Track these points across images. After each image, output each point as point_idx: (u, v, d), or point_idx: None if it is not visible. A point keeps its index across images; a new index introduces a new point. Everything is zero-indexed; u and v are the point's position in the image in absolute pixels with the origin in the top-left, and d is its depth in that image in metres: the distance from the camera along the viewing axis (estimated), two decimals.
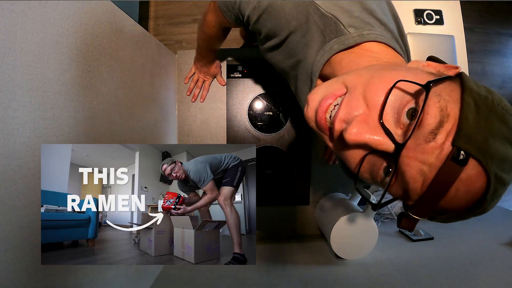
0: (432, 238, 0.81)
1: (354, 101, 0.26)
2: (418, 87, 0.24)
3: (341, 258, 0.69)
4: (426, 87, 0.23)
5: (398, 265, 0.68)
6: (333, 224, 0.67)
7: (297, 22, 0.37)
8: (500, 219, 0.95)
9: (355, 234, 0.67)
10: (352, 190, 0.82)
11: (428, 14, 1.04)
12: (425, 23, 1.04)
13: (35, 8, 0.32)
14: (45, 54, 0.34)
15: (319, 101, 0.28)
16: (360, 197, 0.77)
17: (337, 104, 0.27)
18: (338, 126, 0.26)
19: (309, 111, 0.29)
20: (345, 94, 0.27)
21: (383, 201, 0.27)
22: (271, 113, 0.82)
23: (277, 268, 0.69)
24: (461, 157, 0.21)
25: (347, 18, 0.35)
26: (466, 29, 1.05)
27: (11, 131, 0.29)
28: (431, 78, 0.25)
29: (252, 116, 0.81)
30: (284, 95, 0.82)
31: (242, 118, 0.82)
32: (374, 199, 0.66)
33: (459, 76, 0.26)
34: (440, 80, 0.24)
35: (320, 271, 0.67)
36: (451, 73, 0.27)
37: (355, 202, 0.76)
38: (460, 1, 1.06)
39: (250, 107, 0.81)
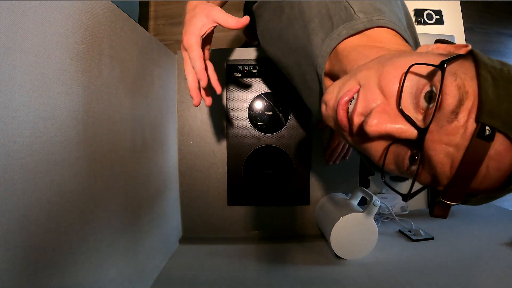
0: (432, 238, 0.81)
1: (369, 93, 0.26)
2: (433, 70, 0.24)
3: (341, 258, 0.69)
4: (441, 67, 0.23)
5: (398, 265, 0.68)
6: (333, 224, 0.67)
7: (309, 3, 0.36)
8: (500, 219, 0.95)
9: (355, 234, 0.67)
10: (352, 190, 0.82)
11: (428, 14, 1.04)
12: (425, 23, 1.04)
13: (35, 8, 0.32)
14: (45, 54, 0.34)
15: (337, 100, 0.28)
16: (360, 197, 0.77)
17: (354, 100, 0.27)
18: (357, 120, 0.26)
19: (328, 110, 0.29)
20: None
21: (413, 191, 0.27)
22: (271, 113, 0.82)
23: (277, 268, 0.69)
24: (487, 132, 0.21)
25: (359, 3, 0.34)
26: (466, 29, 1.05)
27: (11, 131, 0.29)
28: (443, 58, 0.24)
29: (252, 116, 0.81)
30: (284, 95, 0.82)
31: (242, 118, 0.81)
32: (377, 200, 0.66)
33: (471, 54, 0.25)
34: (453, 58, 0.24)
35: (320, 271, 0.67)
36: (462, 51, 0.26)
37: (355, 202, 0.76)
38: (460, 1, 1.06)
39: (250, 107, 0.81)
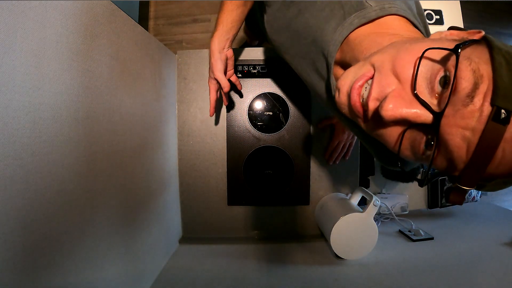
0: (432, 238, 0.81)
1: (384, 78, 0.26)
2: (447, 54, 0.24)
3: (341, 258, 0.69)
4: (455, 52, 0.23)
5: (398, 265, 0.68)
6: (333, 224, 0.67)
7: None
8: (500, 219, 0.95)
9: (355, 234, 0.67)
10: (352, 190, 0.82)
11: (428, 14, 1.04)
12: None
13: (35, 8, 0.32)
14: (45, 54, 0.34)
15: (350, 85, 0.28)
16: (360, 197, 0.77)
17: (368, 86, 0.27)
18: (372, 105, 0.26)
19: (342, 96, 0.29)
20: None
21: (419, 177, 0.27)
22: (271, 113, 0.82)
23: (277, 268, 0.69)
24: (503, 115, 0.21)
25: None
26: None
27: (11, 131, 0.29)
28: (457, 44, 0.24)
29: (252, 116, 0.81)
30: (285, 94, 0.82)
31: (242, 118, 0.82)
32: (377, 200, 0.66)
33: (484, 39, 0.25)
34: (467, 43, 0.24)
35: (320, 271, 0.67)
36: (476, 37, 0.26)
37: (355, 202, 0.76)
38: (460, 1, 1.06)
39: (250, 107, 0.81)
